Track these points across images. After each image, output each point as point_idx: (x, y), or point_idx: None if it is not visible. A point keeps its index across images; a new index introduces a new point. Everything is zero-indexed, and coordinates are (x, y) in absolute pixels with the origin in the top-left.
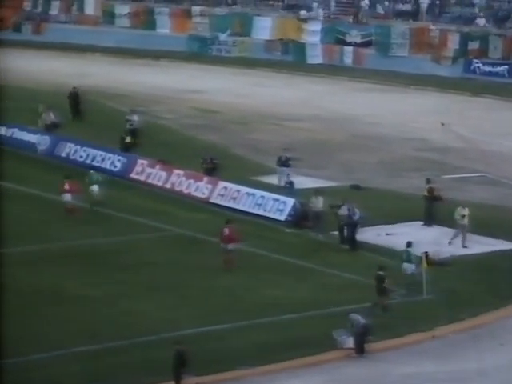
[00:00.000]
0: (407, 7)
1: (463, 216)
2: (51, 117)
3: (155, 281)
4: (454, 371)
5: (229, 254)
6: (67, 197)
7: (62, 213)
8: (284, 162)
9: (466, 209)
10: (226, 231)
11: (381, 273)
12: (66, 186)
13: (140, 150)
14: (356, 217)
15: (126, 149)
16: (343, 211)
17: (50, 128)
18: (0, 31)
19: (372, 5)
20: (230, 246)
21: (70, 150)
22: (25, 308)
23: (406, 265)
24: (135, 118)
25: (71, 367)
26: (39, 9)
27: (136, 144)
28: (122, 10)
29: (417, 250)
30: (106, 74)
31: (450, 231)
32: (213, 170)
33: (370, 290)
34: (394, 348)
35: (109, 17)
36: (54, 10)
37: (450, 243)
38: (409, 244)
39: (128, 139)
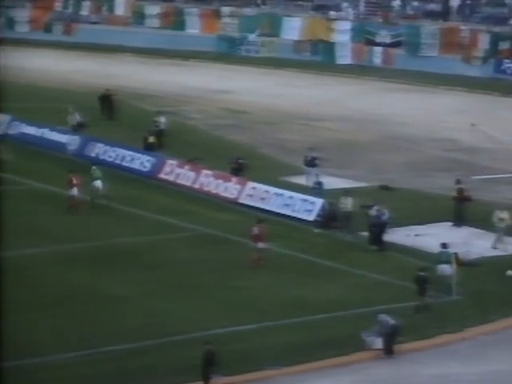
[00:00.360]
0: (437, 7)
1: (502, 219)
2: (76, 117)
3: (183, 280)
4: (484, 373)
5: (257, 253)
6: (74, 191)
7: (91, 212)
8: (310, 162)
9: (505, 212)
10: (256, 230)
11: (422, 273)
12: (74, 181)
13: (169, 150)
14: (385, 217)
15: (148, 149)
16: (373, 212)
17: (76, 128)
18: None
19: (402, 5)
20: (260, 245)
21: (100, 150)
22: (53, 308)
23: (444, 266)
24: (162, 119)
25: (100, 367)
26: (70, 9)
27: (160, 144)
28: (152, 10)
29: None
30: (135, 74)
31: (480, 232)
32: (239, 170)
33: (398, 291)
34: (423, 349)
35: (139, 17)
36: (84, 11)
37: (495, 248)
38: (444, 245)
39: (151, 139)
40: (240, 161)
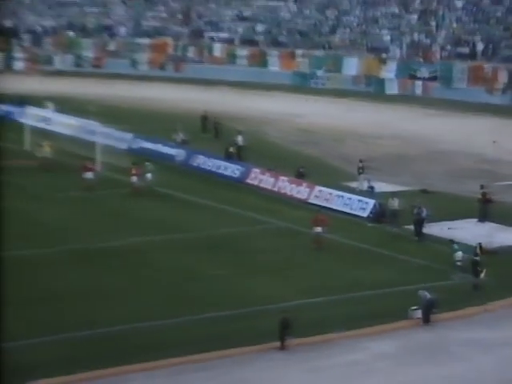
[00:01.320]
0: (466, 50)
1: None
2: (180, 135)
3: (265, 263)
4: (504, 337)
5: (317, 236)
6: (134, 179)
7: (195, 209)
8: (358, 170)
9: None
10: (315, 217)
11: (476, 258)
12: (133, 171)
13: (253, 160)
14: (423, 214)
15: (228, 157)
16: (415, 210)
17: (180, 144)
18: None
19: (439, 48)
20: (317, 229)
21: (201, 160)
22: (165, 284)
23: (459, 253)
24: (239, 138)
25: (198, 331)
26: (179, 52)
27: (239, 156)
28: (242, 52)
29: (473, 242)
30: (230, 101)
31: (500, 227)
32: (300, 176)
33: (434, 272)
34: (453, 318)
35: (232, 58)
36: (190, 53)
37: None
38: (452, 241)
39: (231, 149)
40: (300, 170)
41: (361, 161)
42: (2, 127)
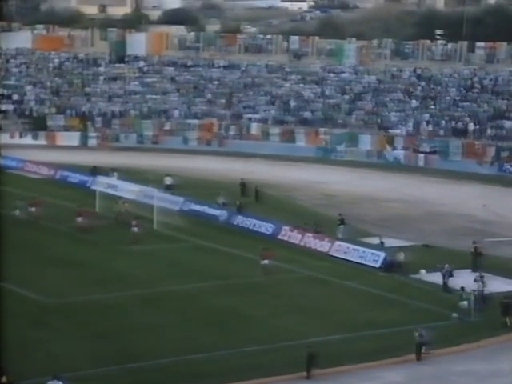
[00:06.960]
0: (460, 130)
1: None
2: (222, 199)
3: (294, 305)
4: (493, 369)
5: (264, 267)
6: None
7: (236, 260)
8: (340, 222)
9: None
10: (263, 253)
11: (505, 300)
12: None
13: (283, 219)
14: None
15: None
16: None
17: (222, 206)
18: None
19: (438, 127)
20: (264, 262)
21: (239, 220)
22: (211, 322)
23: (464, 303)
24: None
25: (238, 362)
26: (222, 131)
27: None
28: (274, 130)
29: (468, 288)
30: (264, 171)
31: (490, 276)
32: (317, 233)
33: (435, 314)
34: (450, 353)
35: (266, 135)
36: (231, 131)
37: None
38: (463, 288)
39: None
40: (317, 228)
41: (339, 214)
42: (79, 194)
